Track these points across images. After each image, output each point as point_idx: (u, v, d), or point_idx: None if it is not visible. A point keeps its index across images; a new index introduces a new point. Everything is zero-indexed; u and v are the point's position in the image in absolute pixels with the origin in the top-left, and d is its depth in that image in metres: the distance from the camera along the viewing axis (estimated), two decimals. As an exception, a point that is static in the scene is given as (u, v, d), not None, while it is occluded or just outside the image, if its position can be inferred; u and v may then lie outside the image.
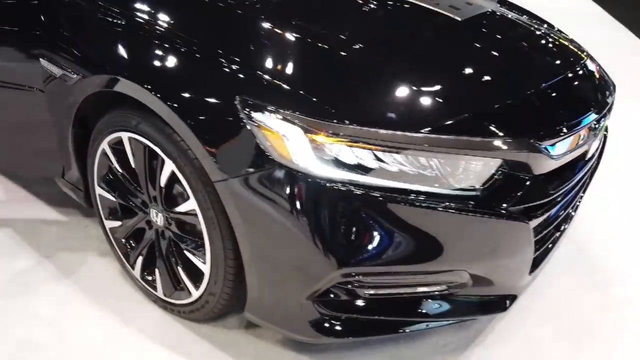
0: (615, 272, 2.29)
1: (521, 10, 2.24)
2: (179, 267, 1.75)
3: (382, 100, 1.43)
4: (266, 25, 1.66)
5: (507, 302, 1.65)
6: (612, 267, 2.32)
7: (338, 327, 1.51)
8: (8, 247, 2.21)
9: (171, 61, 1.51)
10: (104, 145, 1.79)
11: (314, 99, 1.37)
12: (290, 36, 1.63)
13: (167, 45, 1.53)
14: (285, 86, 1.40)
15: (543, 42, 1.99)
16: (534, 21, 2.15)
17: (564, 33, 2.19)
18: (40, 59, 1.82)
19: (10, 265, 2.12)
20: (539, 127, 1.49)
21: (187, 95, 1.46)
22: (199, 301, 1.73)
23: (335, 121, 1.32)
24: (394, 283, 1.45)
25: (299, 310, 1.48)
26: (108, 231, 1.98)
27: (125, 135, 1.69)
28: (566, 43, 2.01)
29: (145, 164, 1.69)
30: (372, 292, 1.46)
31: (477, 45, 1.82)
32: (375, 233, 1.34)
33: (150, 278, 1.91)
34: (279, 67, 1.48)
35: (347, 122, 1.32)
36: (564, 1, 6.26)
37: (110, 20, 1.66)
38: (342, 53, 1.55)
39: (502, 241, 1.48)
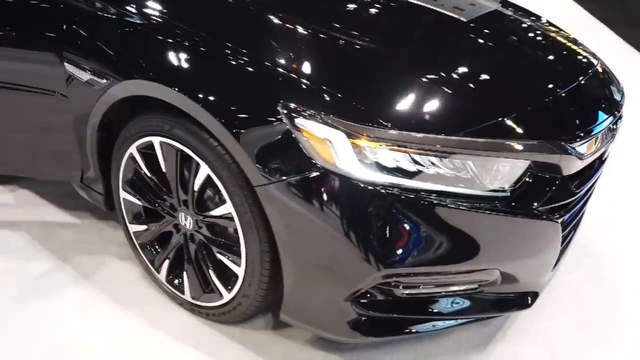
0: (623, 267, 2.38)
1: (527, 12, 2.31)
2: (210, 270, 1.76)
3: (420, 104, 1.46)
4: (307, 30, 1.67)
5: (529, 298, 1.71)
6: (619, 263, 2.40)
7: (374, 327, 1.55)
8: (24, 251, 2.20)
9: (213, 68, 1.52)
10: (132, 150, 1.79)
11: (356, 104, 1.40)
12: (330, 41, 1.65)
13: (208, 52, 1.54)
14: (327, 91, 1.42)
15: (554, 45, 2.05)
16: (541, 23, 2.21)
17: (566, 32, 2.26)
18: (65, 64, 1.81)
19: (29, 269, 2.10)
20: (566, 129, 1.55)
21: (229, 101, 1.47)
22: (231, 303, 1.75)
23: (376, 125, 1.36)
24: (430, 283, 1.50)
25: (336, 311, 1.51)
26: (132, 235, 1.98)
27: (156, 140, 1.69)
28: (575, 46, 2.08)
29: (176, 168, 1.69)
30: (408, 291, 1.50)
31: (496, 47, 1.87)
32: (416, 234, 1.38)
33: (177, 281, 1.92)
34: (321, 71, 1.50)
35: (388, 126, 1.36)
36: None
37: (147, 26, 1.66)
38: (378, 57, 1.59)
39: (533, 240, 1.54)
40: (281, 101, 1.40)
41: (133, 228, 1.97)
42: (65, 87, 1.87)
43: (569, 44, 2.08)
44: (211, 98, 1.48)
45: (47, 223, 2.38)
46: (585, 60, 1.95)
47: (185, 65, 1.56)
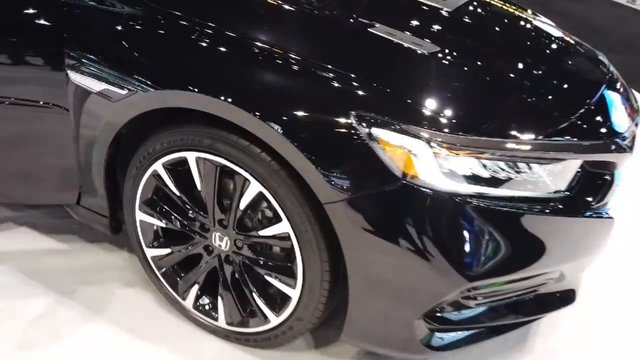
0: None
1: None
2: (253, 294, 1.62)
3: (496, 108, 1.41)
4: (376, 36, 1.55)
5: (573, 295, 1.72)
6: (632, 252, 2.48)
7: (444, 340, 1.49)
8: (15, 290, 1.91)
9: (273, 77, 1.37)
10: (157, 167, 1.59)
11: (433, 111, 1.32)
12: (399, 47, 1.53)
13: (267, 60, 1.39)
14: (401, 97, 1.33)
15: (571, 51, 2.04)
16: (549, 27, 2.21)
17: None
18: (69, 72, 1.57)
19: (29, 309, 1.83)
20: (617, 126, 1.57)
21: (294, 113, 1.33)
22: (280, 327, 1.61)
23: (458, 133, 1.29)
24: (505, 290, 1.46)
25: (408, 329, 1.43)
26: (149, 260, 1.78)
27: (192, 155, 1.51)
28: (583, 48, 2.09)
29: (214, 186, 1.53)
30: (481, 301, 1.46)
31: (542, 52, 1.85)
32: (500, 243, 1.33)
33: (207, 307, 1.75)
34: (393, 78, 1.40)
35: (470, 133, 1.29)
36: None
37: (192, 32, 1.46)
38: (446, 61, 1.51)
39: (590, 237, 1.54)
40: (353, 110, 1.30)
41: (152, 252, 1.77)
42: (67, 98, 1.64)
43: (578, 45, 2.08)
44: (273, 110, 1.33)
45: (32, 253, 2.10)
46: (599, 62, 1.97)
47: (240, 75, 1.40)
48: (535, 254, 1.39)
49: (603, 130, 1.52)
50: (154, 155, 1.58)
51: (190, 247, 1.69)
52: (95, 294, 1.91)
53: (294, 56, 1.38)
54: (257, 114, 1.32)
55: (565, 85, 1.63)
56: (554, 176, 1.41)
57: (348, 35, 1.57)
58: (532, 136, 1.36)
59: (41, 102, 1.68)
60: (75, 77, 1.58)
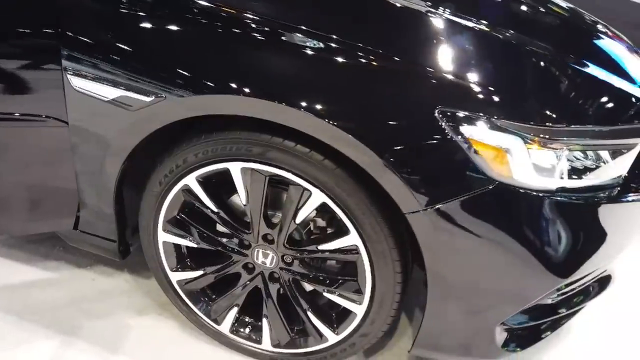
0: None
1: None
2: (307, 312, 1.46)
3: (578, 97, 1.31)
4: (451, 24, 1.38)
5: (609, 279, 1.71)
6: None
7: (519, 339, 1.43)
8: (10, 336, 1.61)
9: (341, 74, 1.17)
10: (188, 181, 1.37)
11: (524, 103, 1.20)
12: (480, 34, 1.38)
13: (334, 55, 1.18)
14: (491, 91, 1.19)
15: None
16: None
17: None
18: (69, 77, 1.29)
19: (31, 357, 1.55)
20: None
21: (368, 114, 1.16)
22: (339, 345, 1.47)
23: (550, 125, 1.19)
24: (578, 282, 1.41)
25: (489, 335, 1.35)
26: (175, 284, 1.57)
27: (236, 166, 1.30)
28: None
29: (262, 199, 1.34)
30: (554, 296, 1.40)
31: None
32: (588, 236, 1.26)
33: (248, 330, 1.57)
34: (479, 70, 1.24)
35: (560, 124, 1.20)
36: None
37: (243, 27, 1.21)
38: (527, 49, 1.37)
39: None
40: (439, 107, 1.16)
41: (178, 276, 1.55)
42: (65, 109, 1.36)
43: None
44: (347, 114, 1.16)
45: (18, 287, 1.79)
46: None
47: (307, 74, 1.19)
48: (614, 243, 1.35)
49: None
50: (184, 168, 1.35)
51: (227, 267, 1.50)
52: (105, 328, 1.67)
53: (369, 50, 1.20)
54: (330, 119, 1.14)
55: (624, 71, 1.57)
56: (621, 161, 1.37)
57: (424, 25, 1.39)
58: (612, 123, 1.30)
59: (31, 115, 1.39)
60: (77, 83, 1.30)
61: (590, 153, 1.24)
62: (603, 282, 1.65)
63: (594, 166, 1.26)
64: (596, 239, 1.29)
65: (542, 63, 1.33)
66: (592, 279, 1.52)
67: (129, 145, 1.35)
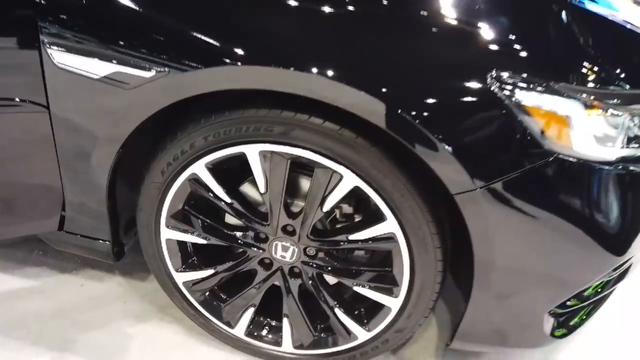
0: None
1: None
2: (335, 309, 1.32)
3: (629, 56, 1.20)
4: None
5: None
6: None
7: (565, 325, 1.33)
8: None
9: (378, 35, 1.00)
10: (196, 169, 1.20)
11: (582, 64, 1.06)
12: None
13: (368, 18, 1.01)
14: (548, 54, 1.04)
15: None
16: None
17: None
18: (50, 51, 1.08)
19: None
20: None
21: (411, 82, 1.00)
22: (371, 343, 1.33)
23: (611, 88, 1.06)
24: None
25: (538, 322, 1.23)
26: (181, 286, 1.39)
27: (253, 149, 1.13)
28: None
29: (284, 185, 1.18)
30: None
31: None
32: None
33: (265, 332, 1.42)
34: (534, 32, 1.09)
35: (625, 87, 1.07)
36: None
37: None
38: (583, 9, 1.19)
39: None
40: (492, 71, 1.01)
41: (184, 277, 1.37)
42: (46, 90, 1.15)
43: None
44: (386, 83, 0.99)
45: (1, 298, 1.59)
46: None
47: (343, 42, 1.01)
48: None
49: None
50: (192, 154, 1.17)
51: (241, 264, 1.34)
52: (102, 339, 1.48)
53: (411, 8, 1.03)
54: (365, 89, 0.99)
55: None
56: None
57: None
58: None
59: (2, 100, 1.19)
60: (60, 58, 1.10)
61: None
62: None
63: None
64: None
65: (599, 24, 1.21)
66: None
67: (124, 132, 1.16)
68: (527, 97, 1.01)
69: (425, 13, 1.04)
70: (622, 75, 1.10)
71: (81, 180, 1.29)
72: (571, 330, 1.33)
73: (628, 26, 1.22)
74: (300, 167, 1.22)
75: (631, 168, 1.10)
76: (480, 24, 1.04)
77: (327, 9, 1.02)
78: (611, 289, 1.42)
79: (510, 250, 1.12)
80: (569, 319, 1.33)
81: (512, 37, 1.04)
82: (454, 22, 1.03)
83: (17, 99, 1.18)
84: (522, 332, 1.28)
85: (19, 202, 1.36)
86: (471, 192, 1.05)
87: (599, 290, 1.38)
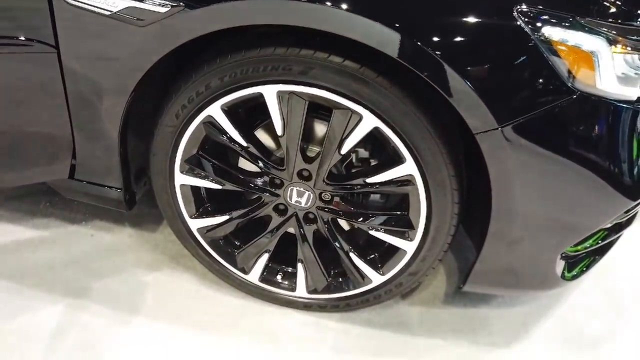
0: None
1: None
2: (350, 253, 1.33)
3: None
4: None
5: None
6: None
7: (575, 267, 1.35)
8: (11, 304, 1.40)
9: None
10: (211, 111, 1.17)
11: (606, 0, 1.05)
12: None
13: None
14: None
15: None
16: None
17: None
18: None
19: (39, 327, 1.35)
20: None
21: (435, 17, 0.97)
22: (385, 286, 1.35)
23: (634, 24, 1.05)
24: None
25: (551, 264, 1.25)
26: (196, 232, 1.39)
27: (271, 90, 1.11)
28: None
29: (302, 127, 1.16)
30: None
31: None
32: None
33: (279, 278, 1.43)
34: None
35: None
36: None
37: None
38: None
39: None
40: (519, 5, 0.99)
41: (198, 223, 1.37)
42: (54, 29, 1.12)
43: None
44: (407, 17, 0.96)
45: (9, 248, 1.57)
46: None
47: None
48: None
49: None
50: (207, 96, 1.15)
51: (256, 210, 1.33)
52: (117, 287, 1.49)
53: None
54: (389, 22, 0.96)
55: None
56: None
57: None
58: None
59: (8, 38, 1.15)
60: (68, -7, 1.06)
61: None
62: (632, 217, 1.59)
63: None
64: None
65: None
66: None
67: (137, 74, 1.13)
68: (553, 32, 0.99)
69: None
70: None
71: (92, 127, 1.27)
72: (580, 273, 1.35)
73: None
74: (317, 111, 1.21)
75: (652, 107, 1.10)
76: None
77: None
78: (620, 234, 1.45)
79: (526, 194, 1.12)
80: (578, 262, 1.36)
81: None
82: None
83: (25, 38, 1.15)
84: (534, 275, 1.30)
85: (30, 148, 1.34)
86: (493, 131, 1.04)
87: (607, 234, 1.40)
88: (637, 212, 1.50)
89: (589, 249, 1.35)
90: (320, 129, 1.25)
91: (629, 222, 1.46)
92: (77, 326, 1.37)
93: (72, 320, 1.38)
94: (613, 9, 1.04)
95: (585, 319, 1.57)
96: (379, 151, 1.27)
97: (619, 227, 1.43)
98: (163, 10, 1.04)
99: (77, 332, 1.36)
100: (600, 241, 1.37)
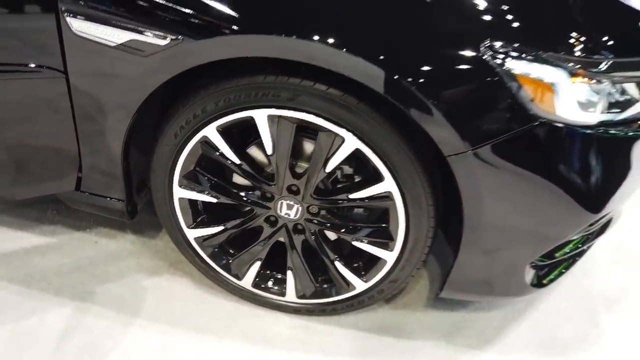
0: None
1: None
2: (335, 262, 1.43)
3: (612, 27, 1.26)
4: None
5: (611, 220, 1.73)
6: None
7: (545, 276, 1.45)
8: (20, 307, 1.51)
9: (381, 8, 1.08)
10: (207, 132, 1.28)
11: (569, 35, 1.13)
12: None
13: None
14: (536, 24, 1.12)
15: None
16: None
17: None
18: (69, 19, 1.15)
19: (47, 328, 1.46)
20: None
21: (406, 49, 1.08)
22: (367, 292, 1.46)
23: (595, 57, 1.14)
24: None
25: (520, 273, 1.35)
26: (193, 242, 1.50)
27: (262, 113, 1.22)
28: None
29: (290, 148, 1.27)
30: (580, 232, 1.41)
31: None
32: (623, 172, 1.24)
33: (271, 284, 1.54)
34: (523, 3, 1.15)
35: (608, 56, 1.15)
36: None
37: None
38: None
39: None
40: (485, 41, 1.09)
41: (195, 233, 1.48)
42: (64, 57, 1.22)
43: None
44: (385, 50, 1.07)
45: (19, 254, 1.68)
46: None
47: (343, 11, 1.09)
48: (637, 179, 1.36)
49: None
50: (203, 118, 1.26)
51: (249, 221, 1.44)
52: (120, 292, 1.59)
53: None
54: (366, 56, 1.07)
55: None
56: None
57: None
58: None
59: (25, 66, 1.25)
60: (78, 26, 1.16)
61: (627, 85, 1.22)
62: (606, 223, 1.68)
63: (628, 99, 1.24)
64: (625, 174, 1.29)
65: None
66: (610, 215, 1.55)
67: (139, 97, 1.24)
68: (517, 66, 1.10)
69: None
70: (606, 45, 1.18)
71: (97, 142, 1.37)
72: (550, 281, 1.46)
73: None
74: (305, 130, 1.31)
75: (610, 131, 1.20)
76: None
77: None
78: (590, 244, 1.55)
79: (494, 208, 1.23)
80: (549, 271, 1.46)
81: (505, 7, 1.12)
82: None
83: (35, 65, 1.25)
84: (506, 283, 1.40)
85: (39, 163, 1.45)
86: (462, 154, 1.15)
87: (579, 245, 1.50)
88: (608, 223, 1.61)
89: (559, 259, 1.45)
90: (308, 147, 1.36)
91: (601, 232, 1.57)
92: (82, 328, 1.48)
93: (78, 322, 1.49)
94: (575, 43, 1.15)
95: (559, 324, 1.67)
96: (363, 168, 1.38)
97: (591, 238, 1.53)
98: (163, 42, 1.14)
99: (83, 334, 1.47)
100: (571, 251, 1.48)
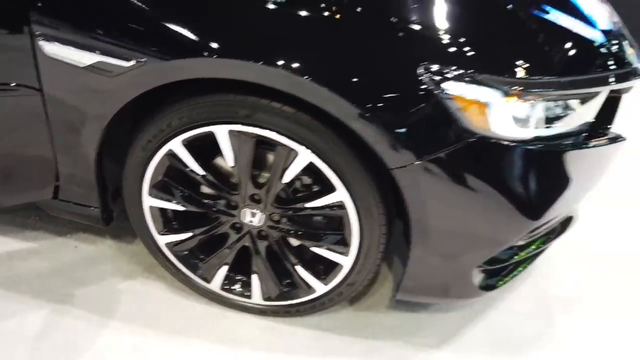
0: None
1: None
2: (296, 266, 1.52)
3: (549, 49, 1.35)
4: None
5: (572, 219, 1.82)
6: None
7: (494, 279, 1.54)
8: (0, 305, 1.63)
9: (324, 31, 1.18)
10: (173, 145, 1.37)
11: (503, 57, 1.23)
12: None
13: (313, 14, 1.18)
14: (471, 46, 1.21)
15: None
16: None
17: None
18: (41, 43, 1.24)
19: (25, 328, 1.55)
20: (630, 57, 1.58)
21: (352, 72, 1.18)
22: (327, 295, 1.54)
23: (529, 77, 1.23)
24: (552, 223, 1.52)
25: (468, 277, 1.44)
26: (163, 247, 1.59)
27: (222, 129, 1.30)
28: None
29: (250, 161, 1.35)
30: (525, 238, 1.50)
31: None
32: (562, 181, 1.33)
33: (238, 287, 1.63)
34: (458, 23, 1.26)
35: (538, 76, 1.24)
36: None
37: None
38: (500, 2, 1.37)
39: (604, 163, 1.62)
40: (422, 63, 1.18)
41: (166, 239, 1.56)
42: (39, 76, 1.31)
43: None
44: (331, 73, 1.17)
45: (1, 258, 1.77)
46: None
47: (295, 36, 1.19)
48: (582, 187, 1.45)
49: (626, 60, 1.54)
50: (168, 133, 1.35)
51: (215, 228, 1.53)
52: (97, 294, 1.68)
53: (348, 8, 1.21)
54: (310, 76, 1.15)
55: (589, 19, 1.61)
56: (588, 109, 1.44)
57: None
58: (582, 72, 1.35)
59: (3, 85, 1.34)
60: (49, 50, 1.25)
61: (560, 102, 1.31)
62: (565, 223, 1.77)
63: (564, 114, 1.34)
64: (565, 183, 1.38)
65: (514, 16, 1.37)
66: (558, 220, 1.64)
67: (109, 112, 1.33)
68: (453, 87, 1.19)
69: (365, 9, 1.21)
70: (540, 65, 1.27)
71: (72, 154, 1.46)
72: (504, 282, 1.54)
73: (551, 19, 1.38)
74: (265, 143, 1.40)
75: (547, 145, 1.29)
76: (414, 19, 1.22)
77: (277, 10, 1.19)
78: (544, 247, 1.64)
79: (439, 216, 1.32)
80: (498, 273, 1.55)
81: (442, 33, 1.22)
82: (393, 20, 1.21)
83: (14, 84, 1.34)
84: (455, 286, 1.49)
85: (17, 173, 1.54)
86: (406, 167, 1.24)
87: (541, 245, 1.59)
88: (569, 222, 1.69)
89: (506, 264, 1.54)
90: (270, 158, 1.45)
91: (562, 231, 1.66)
92: (60, 329, 1.57)
93: (56, 324, 1.57)
94: (509, 65, 1.24)
95: (515, 324, 1.76)
96: (321, 179, 1.46)
97: (552, 237, 1.62)
98: (128, 64, 1.23)
99: (61, 334, 1.56)
100: (532, 252, 1.57)
